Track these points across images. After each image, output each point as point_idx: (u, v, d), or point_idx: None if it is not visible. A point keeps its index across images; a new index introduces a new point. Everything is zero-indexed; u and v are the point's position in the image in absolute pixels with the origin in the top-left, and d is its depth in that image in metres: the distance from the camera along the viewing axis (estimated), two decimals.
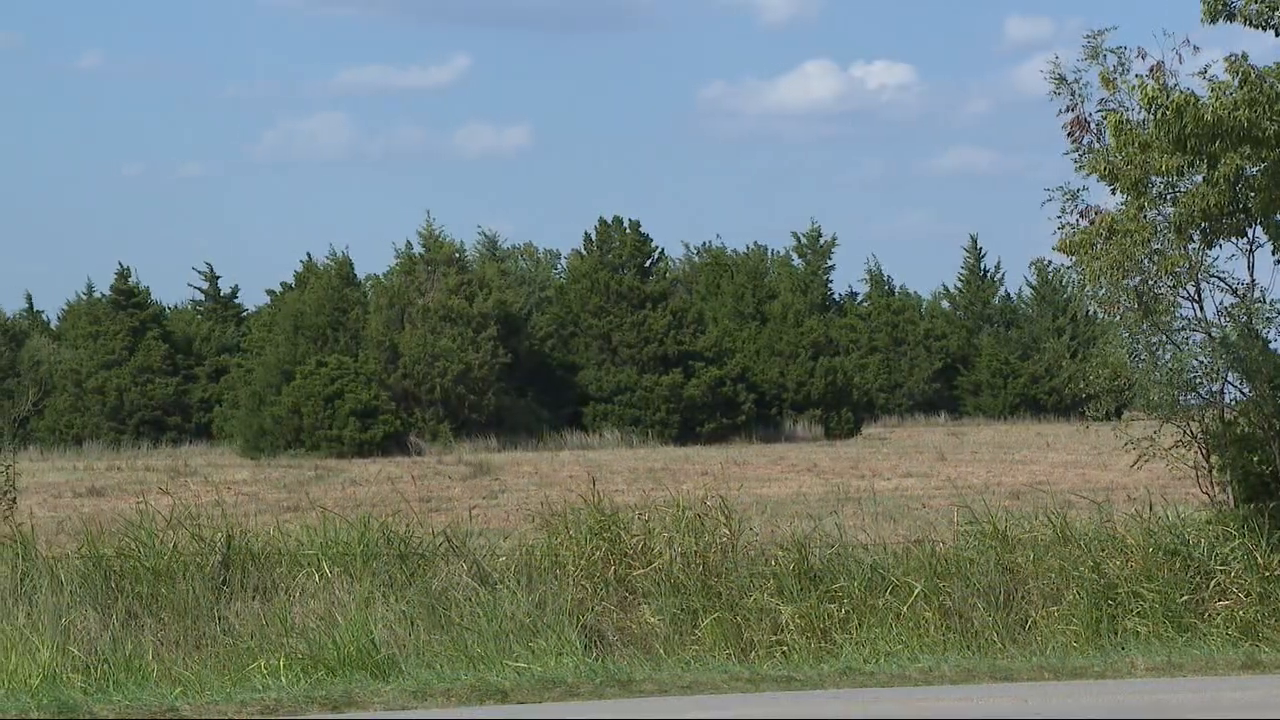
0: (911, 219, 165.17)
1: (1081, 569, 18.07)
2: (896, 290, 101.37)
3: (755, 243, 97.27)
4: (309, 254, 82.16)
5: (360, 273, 79.42)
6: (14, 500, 17.94)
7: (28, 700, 14.98)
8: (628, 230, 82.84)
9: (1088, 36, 18.83)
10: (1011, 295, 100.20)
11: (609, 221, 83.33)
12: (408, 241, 78.09)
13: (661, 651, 17.08)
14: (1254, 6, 18.62)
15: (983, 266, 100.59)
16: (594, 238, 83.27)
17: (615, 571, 17.82)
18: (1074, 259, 19.03)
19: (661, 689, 15.77)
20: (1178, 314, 19.24)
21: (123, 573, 17.20)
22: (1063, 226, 19.12)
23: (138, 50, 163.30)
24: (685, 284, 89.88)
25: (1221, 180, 18.40)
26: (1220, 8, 18.64)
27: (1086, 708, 14.79)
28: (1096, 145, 19.01)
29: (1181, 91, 18.12)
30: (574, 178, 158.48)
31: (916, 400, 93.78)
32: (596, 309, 78.83)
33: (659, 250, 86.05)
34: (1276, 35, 18.77)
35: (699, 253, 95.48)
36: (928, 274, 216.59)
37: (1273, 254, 19.28)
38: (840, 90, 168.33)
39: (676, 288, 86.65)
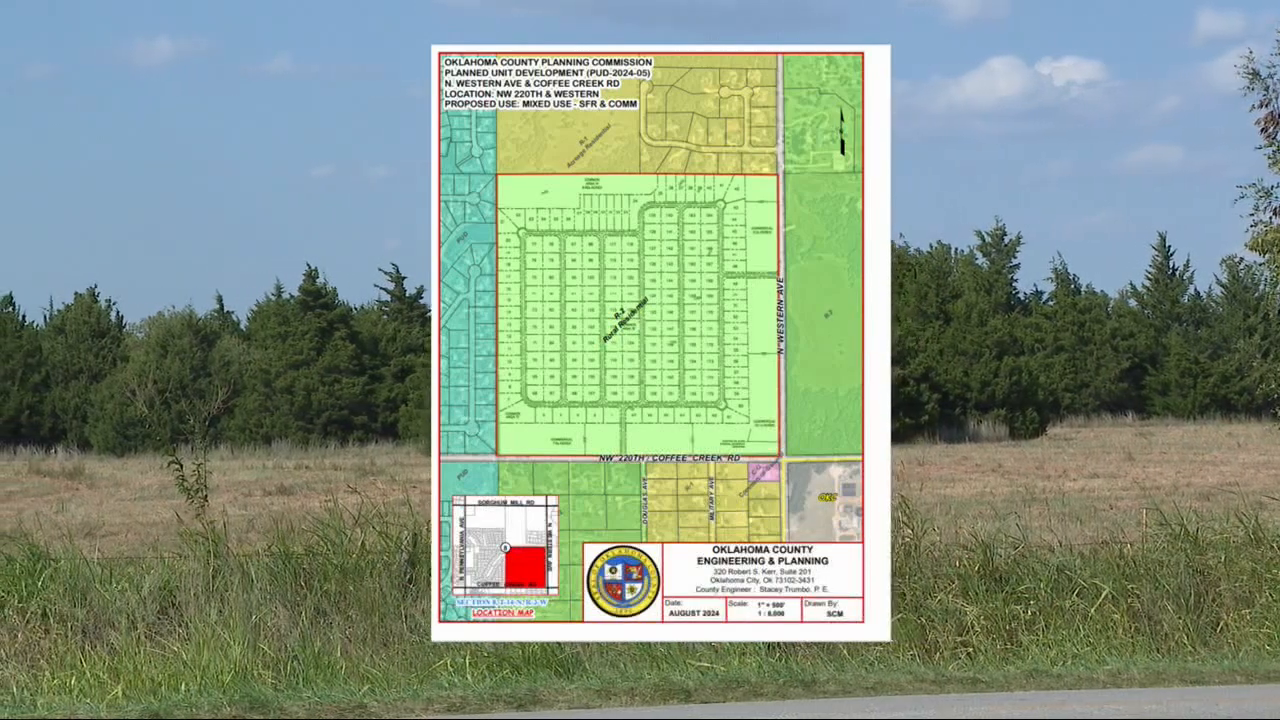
0: (1099, 217, 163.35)
1: (1275, 572, 17.76)
2: (1083, 289, 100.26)
3: (938, 241, 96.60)
4: None
5: None
6: (206, 498, 18.20)
7: (219, 696, 15.20)
8: None
9: None
10: (1201, 293, 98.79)
11: None
12: None
13: (845, 653, 17.00)
14: None
15: (1171, 265, 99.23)
16: None
17: None
18: (1266, 257, 18.75)
19: (845, 690, 15.70)
20: None
21: (311, 570, 17.39)
22: (1255, 224, 18.84)
23: (325, 52, 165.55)
24: None
25: None
26: None
27: None
28: None
29: None
30: None
31: (1103, 400, 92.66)
32: None
33: None
34: None
35: None
36: (1115, 272, 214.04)
37: None
38: (1027, 87, 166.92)
39: None
